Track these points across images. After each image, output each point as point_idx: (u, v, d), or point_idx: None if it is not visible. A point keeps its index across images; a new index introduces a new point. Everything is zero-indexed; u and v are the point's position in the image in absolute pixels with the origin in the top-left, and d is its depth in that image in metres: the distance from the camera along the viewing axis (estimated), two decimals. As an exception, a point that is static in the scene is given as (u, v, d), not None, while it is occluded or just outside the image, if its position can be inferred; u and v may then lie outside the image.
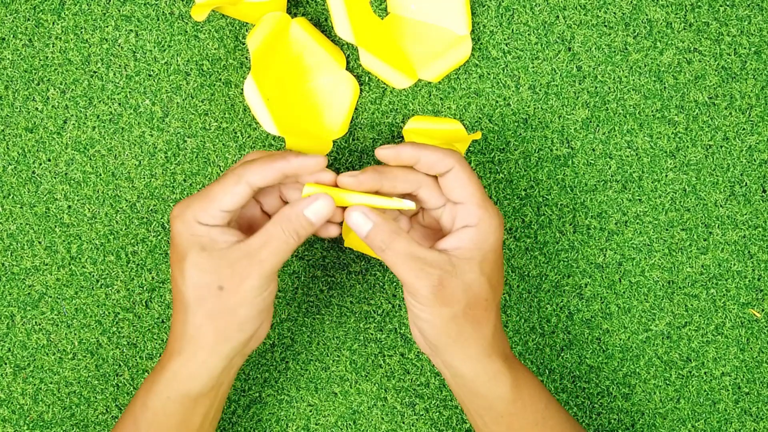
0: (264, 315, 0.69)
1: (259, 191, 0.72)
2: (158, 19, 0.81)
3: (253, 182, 0.68)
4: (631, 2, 0.81)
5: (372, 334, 0.82)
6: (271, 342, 0.82)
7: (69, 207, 0.81)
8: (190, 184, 0.81)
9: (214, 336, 0.68)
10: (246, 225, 0.73)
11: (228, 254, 0.67)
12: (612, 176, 0.81)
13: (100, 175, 0.81)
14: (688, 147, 0.81)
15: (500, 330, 0.71)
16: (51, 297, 0.82)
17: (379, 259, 0.81)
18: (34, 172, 0.81)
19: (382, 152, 0.70)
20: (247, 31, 0.81)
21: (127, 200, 0.81)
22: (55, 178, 0.81)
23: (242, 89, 0.81)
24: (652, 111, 0.81)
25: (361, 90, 0.81)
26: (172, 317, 0.70)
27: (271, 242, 0.68)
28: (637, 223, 0.81)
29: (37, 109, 0.81)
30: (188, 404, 0.69)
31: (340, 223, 0.72)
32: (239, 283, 0.67)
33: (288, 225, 0.68)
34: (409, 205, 0.70)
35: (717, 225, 0.81)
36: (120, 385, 0.82)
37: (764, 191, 0.81)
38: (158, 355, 0.82)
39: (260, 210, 0.73)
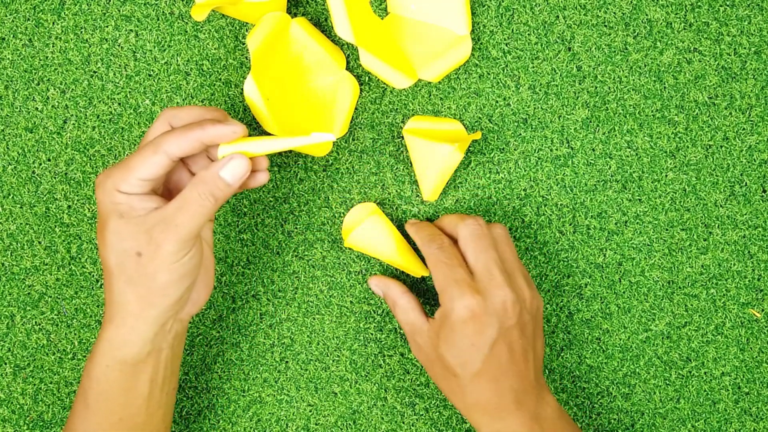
0: (188, 279, 0.69)
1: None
2: (158, 19, 0.81)
3: (171, 152, 0.68)
4: (631, 2, 0.80)
5: (372, 334, 0.82)
6: (270, 342, 0.81)
7: (69, 207, 0.81)
8: (190, 184, 0.81)
9: (137, 302, 0.68)
10: (176, 190, 0.73)
11: (145, 221, 0.67)
12: (612, 176, 0.81)
13: (100, 175, 0.81)
14: (688, 147, 0.81)
15: (487, 406, 0.73)
16: (51, 297, 0.81)
17: (378, 260, 0.81)
18: (34, 172, 0.81)
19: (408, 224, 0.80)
20: (247, 31, 0.81)
21: (127, 200, 0.81)
22: (55, 178, 0.81)
23: (242, 89, 0.81)
24: (652, 111, 0.80)
25: (361, 90, 0.81)
26: (104, 286, 0.70)
27: (188, 206, 0.67)
28: (637, 223, 0.81)
29: (37, 108, 0.81)
30: (127, 370, 0.69)
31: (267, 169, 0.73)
32: (156, 249, 0.67)
33: (204, 188, 0.68)
34: (328, 137, 0.69)
35: (717, 225, 0.81)
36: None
37: (764, 191, 0.81)
38: (158, 355, 0.81)
39: (189, 174, 0.73)
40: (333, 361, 0.82)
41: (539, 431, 0.72)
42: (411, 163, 0.80)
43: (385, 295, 0.78)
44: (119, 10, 0.80)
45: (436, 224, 0.78)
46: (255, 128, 0.81)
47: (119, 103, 0.81)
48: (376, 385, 0.82)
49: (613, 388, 0.82)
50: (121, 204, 0.68)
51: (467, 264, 0.74)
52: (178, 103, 0.80)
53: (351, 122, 0.81)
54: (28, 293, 0.81)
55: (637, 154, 0.81)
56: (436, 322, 0.74)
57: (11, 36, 0.80)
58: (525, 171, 0.81)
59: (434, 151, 0.79)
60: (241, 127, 0.69)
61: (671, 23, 0.80)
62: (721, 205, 0.81)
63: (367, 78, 0.81)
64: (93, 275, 0.81)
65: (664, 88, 0.80)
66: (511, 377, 0.72)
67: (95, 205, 0.81)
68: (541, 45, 0.80)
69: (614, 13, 0.80)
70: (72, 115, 0.81)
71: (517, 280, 0.74)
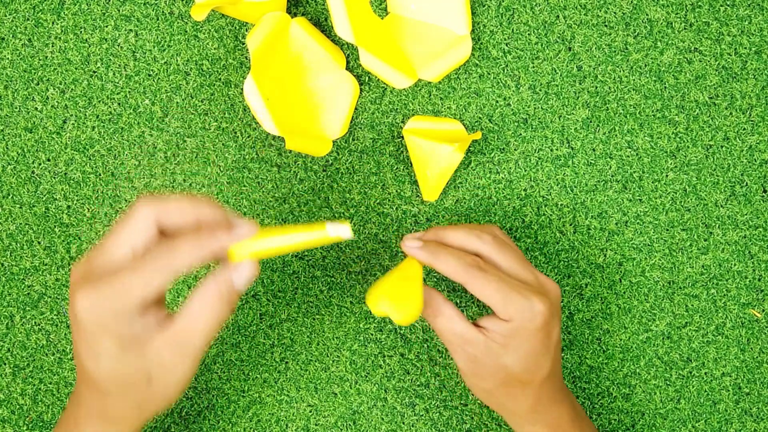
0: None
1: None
2: (158, 19, 0.80)
3: (180, 270, 0.61)
4: (632, 2, 0.80)
5: (372, 335, 0.81)
6: (270, 342, 0.81)
7: (68, 207, 0.81)
8: (190, 184, 0.80)
9: (138, 417, 0.64)
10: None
11: (152, 344, 0.61)
12: (612, 176, 0.80)
13: (100, 175, 0.81)
14: (688, 147, 0.80)
15: (548, 401, 0.71)
16: (50, 297, 0.81)
17: (379, 260, 0.81)
18: (33, 172, 0.81)
19: (407, 246, 0.71)
20: (246, 30, 0.81)
21: (126, 200, 0.81)
22: (54, 178, 0.81)
23: (242, 89, 0.81)
24: (653, 111, 0.80)
25: (361, 90, 0.81)
26: (78, 385, 0.65)
27: (203, 321, 0.62)
28: (638, 223, 0.81)
29: (36, 108, 0.80)
30: None
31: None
32: (171, 372, 0.62)
33: (219, 299, 0.62)
34: (345, 234, 0.65)
35: (717, 225, 0.81)
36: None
37: (765, 191, 0.80)
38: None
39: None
40: (333, 361, 0.81)
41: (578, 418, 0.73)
42: (411, 163, 0.80)
43: (425, 303, 0.71)
44: (119, 10, 0.80)
45: (446, 242, 0.72)
46: (255, 128, 0.80)
47: (119, 103, 0.80)
48: (376, 385, 0.81)
49: (613, 389, 0.81)
50: (119, 327, 0.61)
51: (483, 298, 0.69)
52: (177, 102, 0.80)
53: (351, 122, 0.81)
54: (28, 293, 0.81)
55: (637, 154, 0.80)
56: (500, 333, 0.69)
57: (11, 36, 0.80)
58: (525, 171, 0.80)
59: (434, 151, 0.78)
60: (255, 226, 0.64)
61: (672, 23, 0.80)
62: (721, 206, 0.80)
63: (367, 78, 0.81)
64: (92, 275, 0.81)
65: (665, 88, 0.80)
66: (560, 366, 0.73)
67: (95, 205, 0.80)
68: (542, 45, 0.80)
69: (614, 12, 0.80)
70: (71, 114, 0.80)
71: (540, 275, 0.72)
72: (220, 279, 0.63)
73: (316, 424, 0.81)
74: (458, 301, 0.81)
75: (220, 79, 0.80)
